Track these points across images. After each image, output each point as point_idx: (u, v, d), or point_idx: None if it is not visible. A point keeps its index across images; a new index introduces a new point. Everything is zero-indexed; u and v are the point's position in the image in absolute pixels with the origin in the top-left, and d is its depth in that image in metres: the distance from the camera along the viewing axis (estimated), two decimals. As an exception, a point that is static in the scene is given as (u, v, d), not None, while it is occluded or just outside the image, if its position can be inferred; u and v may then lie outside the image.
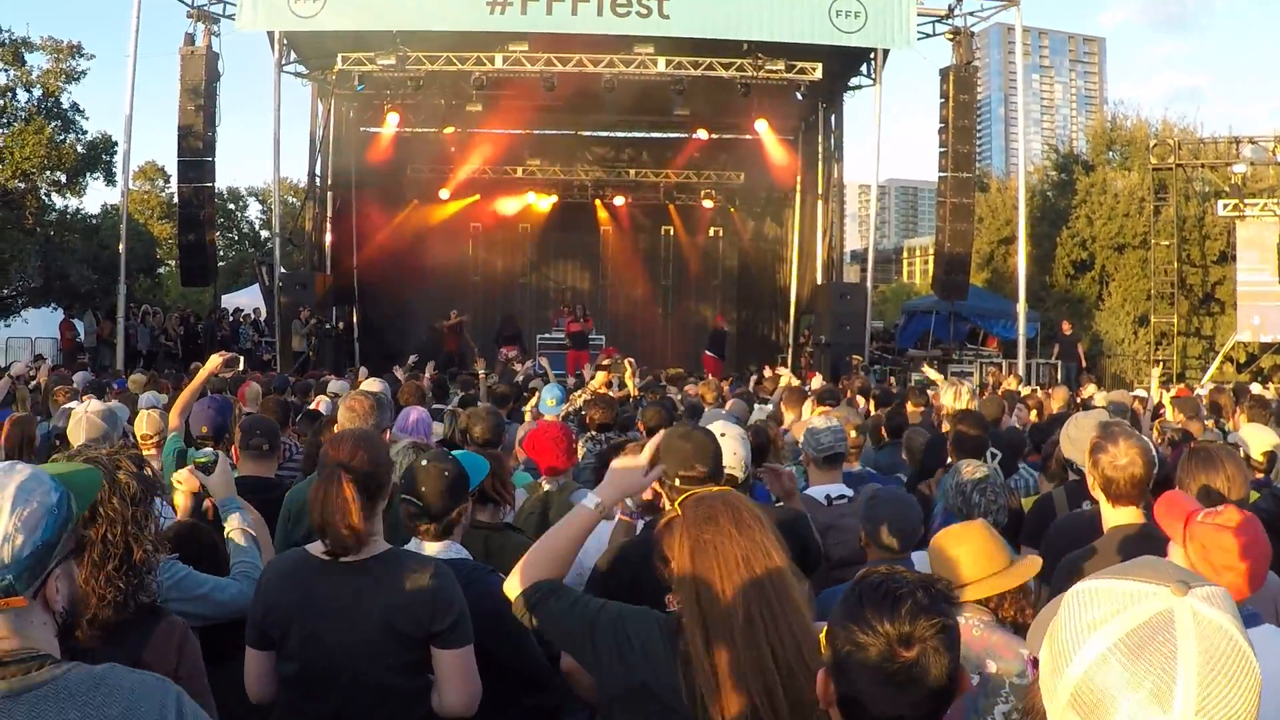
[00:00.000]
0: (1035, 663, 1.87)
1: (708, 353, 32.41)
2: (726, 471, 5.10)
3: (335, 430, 6.82)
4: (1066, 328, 33.36)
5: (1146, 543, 4.57)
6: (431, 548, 4.61)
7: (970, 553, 3.98)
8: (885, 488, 6.30)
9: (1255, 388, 20.08)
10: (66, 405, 9.14)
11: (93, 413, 6.78)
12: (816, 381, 16.22)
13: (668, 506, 3.86)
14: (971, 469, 5.94)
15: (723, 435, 5.19)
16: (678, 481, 4.35)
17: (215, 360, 8.21)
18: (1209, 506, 3.75)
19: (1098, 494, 4.85)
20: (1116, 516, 4.78)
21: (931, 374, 15.40)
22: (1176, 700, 1.57)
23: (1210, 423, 11.64)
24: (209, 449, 5.02)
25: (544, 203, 36.11)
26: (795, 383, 15.30)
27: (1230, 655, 1.60)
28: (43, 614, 2.43)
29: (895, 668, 2.28)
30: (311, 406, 10.93)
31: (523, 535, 5.66)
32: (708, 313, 37.34)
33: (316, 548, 4.20)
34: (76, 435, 6.51)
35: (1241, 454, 6.69)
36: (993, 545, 4.13)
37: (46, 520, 2.41)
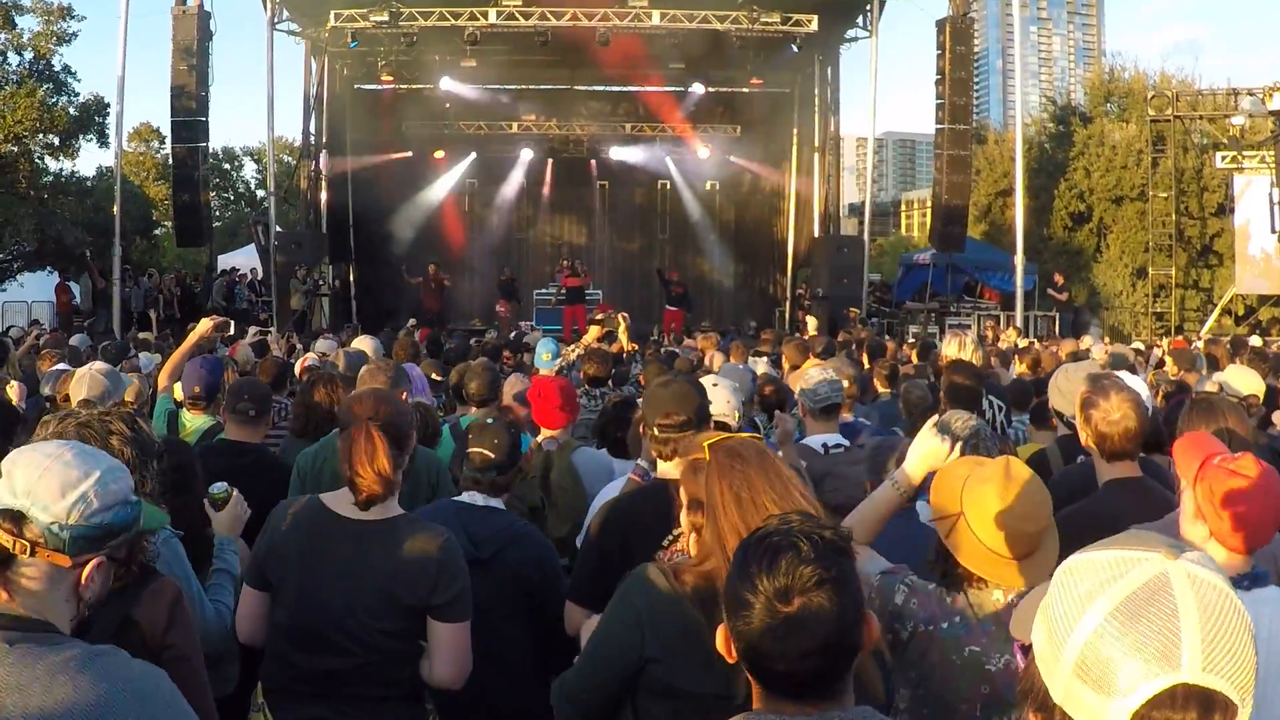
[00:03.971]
0: (1024, 649, 1.84)
1: (670, 307, 31.19)
2: (719, 418, 5.13)
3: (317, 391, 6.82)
4: (1058, 281, 33.46)
5: (1142, 495, 4.56)
6: (494, 500, 4.77)
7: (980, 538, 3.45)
8: (890, 438, 6.29)
9: (1255, 340, 20.05)
10: (55, 368, 9.12)
11: (97, 370, 6.75)
12: (813, 326, 16.22)
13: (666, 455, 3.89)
14: (961, 421, 5.90)
15: (715, 385, 5.21)
16: (656, 430, 4.39)
17: (206, 323, 8.18)
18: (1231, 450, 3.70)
19: (1091, 448, 4.83)
20: (1111, 470, 4.76)
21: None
22: (1184, 657, 1.57)
23: (1201, 372, 11.59)
24: (225, 485, 4.95)
25: (539, 158, 36.03)
26: (811, 333, 15.34)
27: (1228, 611, 1.61)
28: (70, 591, 2.50)
29: (777, 622, 2.27)
30: (297, 365, 10.86)
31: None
32: (705, 266, 37.32)
33: (331, 499, 4.21)
34: (78, 391, 6.47)
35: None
36: (1020, 525, 3.43)
37: (120, 508, 2.54)
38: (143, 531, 2.75)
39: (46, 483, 2.45)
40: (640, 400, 5.40)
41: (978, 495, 3.49)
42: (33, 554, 2.42)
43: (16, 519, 2.42)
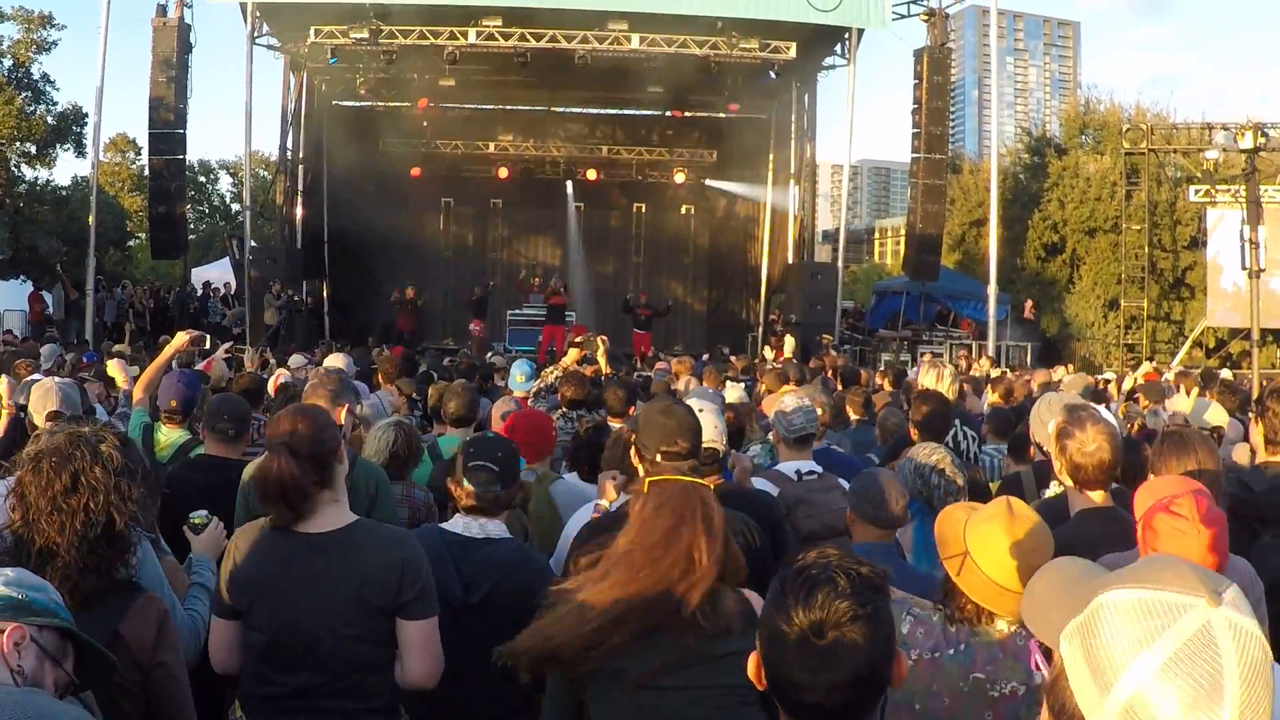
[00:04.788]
0: (1044, 651, 1.90)
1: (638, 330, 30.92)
2: (707, 445, 5.13)
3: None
4: (1029, 310, 33.56)
5: (1113, 524, 4.60)
6: (492, 525, 4.70)
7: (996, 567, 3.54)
8: (873, 468, 6.32)
9: (1225, 373, 20.18)
10: (30, 378, 9.07)
11: (60, 382, 6.73)
12: (789, 348, 16.24)
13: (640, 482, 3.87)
14: (928, 451, 5.95)
15: (701, 411, 5.20)
16: (659, 457, 4.37)
17: (182, 337, 8.15)
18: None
19: (1065, 479, 4.87)
20: (1084, 500, 4.81)
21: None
22: (1225, 712, 1.63)
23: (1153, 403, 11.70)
24: (204, 512, 4.96)
25: (515, 178, 36.00)
26: (787, 354, 15.35)
27: (1261, 660, 1.68)
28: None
29: (808, 654, 2.31)
30: (271, 382, 10.83)
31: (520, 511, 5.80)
32: (679, 290, 37.36)
33: None
34: (46, 403, 6.43)
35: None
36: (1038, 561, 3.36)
37: (39, 593, 2.76)
38: (75, 637, 2.80)
39: None
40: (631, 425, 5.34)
41: (982, 534, 3.57)
42: None
43: None
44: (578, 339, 13.32)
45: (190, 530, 4.87)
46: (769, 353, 20.00)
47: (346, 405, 6.36)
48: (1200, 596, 1.71)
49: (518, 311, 31.64)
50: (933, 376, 9.76)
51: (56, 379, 6.94)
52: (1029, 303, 34.09)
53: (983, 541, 3.55)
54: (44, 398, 6.54)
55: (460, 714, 4.52)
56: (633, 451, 4.46)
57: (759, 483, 6.31)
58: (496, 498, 4.69)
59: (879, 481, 5.17)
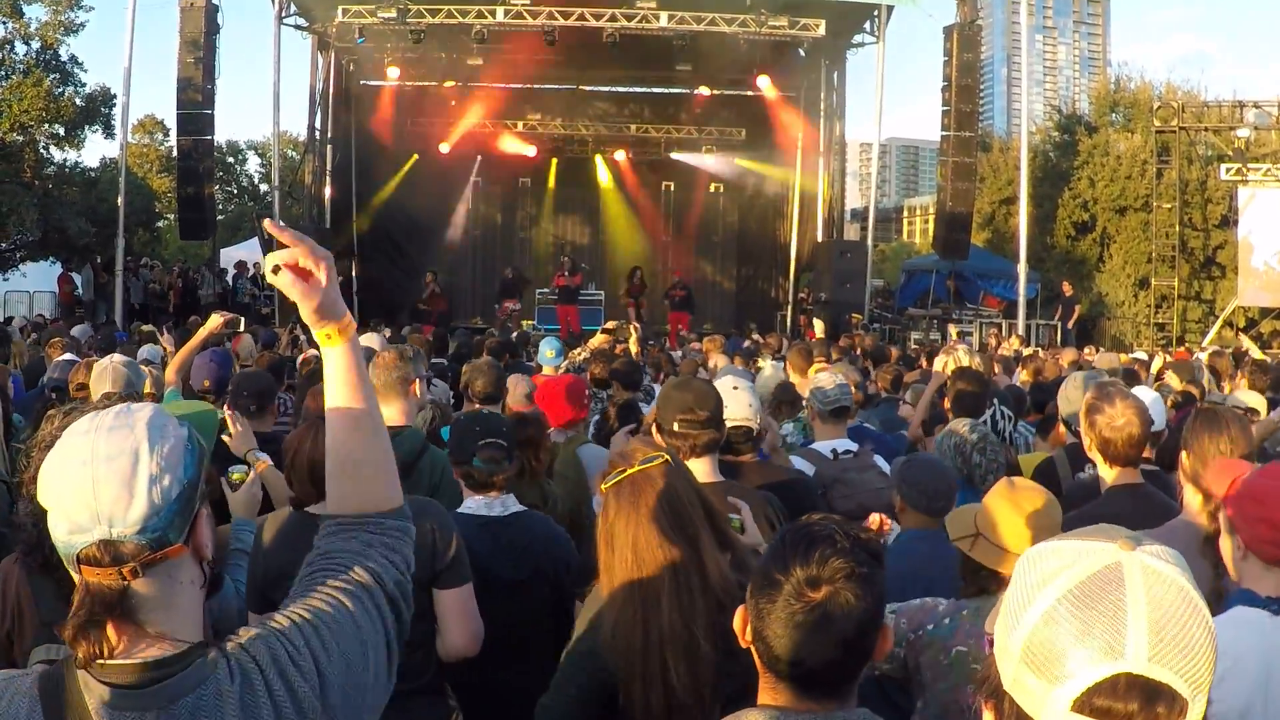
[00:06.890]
0: (992, 642, 1.86)
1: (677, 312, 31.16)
2: (742, 423, 5.16)
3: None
4: (1067, 289, 33.24)
5: (1143, 500, 4.57)
6: (510, 499, 4.74)
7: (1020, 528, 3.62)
8: (921, 454, 6.30)
9: (1254, 352, 20.06)
10: (61, 358, 9.11)
11: (119, 363, 6.75)
12: (819, 329, 16.28)
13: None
14: (968, 429, 5.93)
15: (735, 389, 5.22)
16: (676, 425, 4.37)
17: (216, 320, 8.20)
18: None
19: (1094, 455, 4.84)
20: (1114, 476, 4.78)
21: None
22: (1129, 646, 1.57)
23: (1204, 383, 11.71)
24: (244, 467, 4.98)
25: (544, 157, 36.02)
26: (819, 335, 15.40)
27: (1180, 604, 1.61)
28: (192, 568, 2.23)
29: (799, 607, 2.30)
30: (301, 358, 10.86)
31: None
32: (708, 269, 37.31)
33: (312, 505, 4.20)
34: (101, 384, 6.46)
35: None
36: (1046, 523, 3.66)
37: (186, 456, 2.19)
38: (208, 448, 2.37)
39: (107, 491, 2.07)
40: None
41: (987, 511, 3.62)
42: (145, 573, 2.10)
43: (106, 548, 2.07)
44: (610, 325, 13.36)
45: (229, 486, 4.89)
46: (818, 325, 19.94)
47: (415, 382, 6.37)
48: (1114, 543, 1.67)
49: (546, 291, 31.69)
50: (941, 363, 9.79)
51: (114, 358, 6.95)
52: (1067, 286, 33.84)
53: (989, 518, 3.59)
54: (99, 379, 6.57)
55: (512, 686, 4.49)
56: (654, 429, 4.48)
57: (795, 461, 6.32)
58: (506, 475, 4.72)
59: (931, 469, 5.16)
